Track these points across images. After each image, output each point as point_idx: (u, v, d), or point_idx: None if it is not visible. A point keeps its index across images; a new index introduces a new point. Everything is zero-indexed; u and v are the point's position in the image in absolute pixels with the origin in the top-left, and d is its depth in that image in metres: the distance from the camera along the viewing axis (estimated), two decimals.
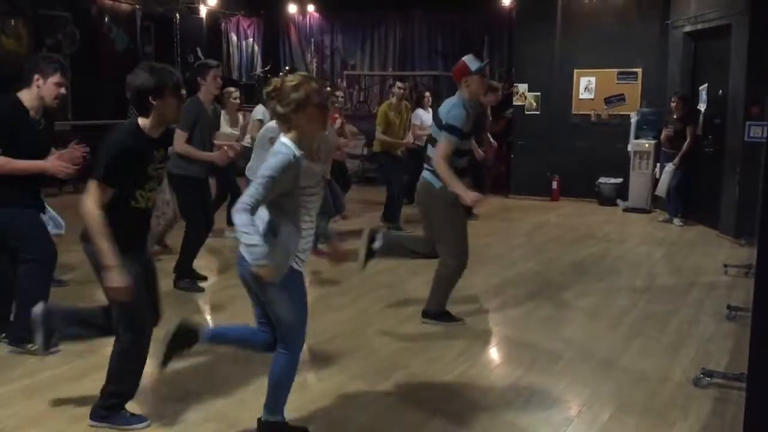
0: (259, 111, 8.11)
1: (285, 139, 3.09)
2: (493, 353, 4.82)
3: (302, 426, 3.49)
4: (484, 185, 9.55)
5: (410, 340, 4.81)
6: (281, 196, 3.04)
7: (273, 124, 6.73)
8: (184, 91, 3.52)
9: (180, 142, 5.55)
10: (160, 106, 3.27)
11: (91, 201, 3.16)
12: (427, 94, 10.17)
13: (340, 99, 8.92)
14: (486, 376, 4.29)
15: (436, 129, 4.88)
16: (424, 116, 9.86)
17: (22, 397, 3.80)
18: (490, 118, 9.68)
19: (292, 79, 3.09)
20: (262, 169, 3.02)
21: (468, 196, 4.68)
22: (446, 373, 4.24)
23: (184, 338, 3.31)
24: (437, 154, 4.75)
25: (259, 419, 3.36)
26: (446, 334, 4.94)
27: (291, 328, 3.23)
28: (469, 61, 4.87)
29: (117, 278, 3.16)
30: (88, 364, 4.11)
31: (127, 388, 3.50)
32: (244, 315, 4.00)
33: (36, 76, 4.28)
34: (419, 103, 9.86)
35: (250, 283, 3.15)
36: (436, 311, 5.12)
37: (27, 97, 4.29)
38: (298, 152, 3.03)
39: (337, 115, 7.83)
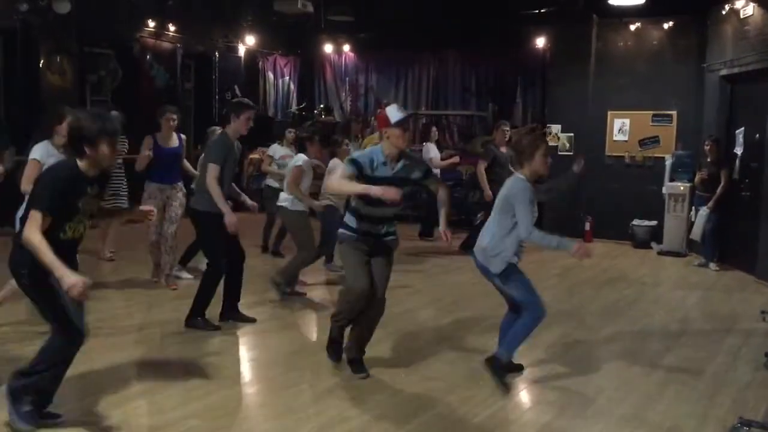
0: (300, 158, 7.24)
1: (520, 175, 4.59)
2: (524, 396, 4.75)
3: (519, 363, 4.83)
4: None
5: (438, 380, 4.76)
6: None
7: (303, 156, 6.87)
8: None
9: (211, 176, 5.54)
10: (92, 154, 3.60)
11: (33, 229, 3.45)
12: (434, 128, 10.75)
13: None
14: (516, 419, 4.23)
15: None
16: (433, 150, 10.24)
17: None
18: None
19: (525, 139, 4.67)
20: (522, 200, 4.44)
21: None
22: (475, 415, 4.19)
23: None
24: (333, 176, 5.01)
25: (493, 356, 4.65)
26: (475, 374, 4.89)
27: (527, 302, 4.60)
28: (391, 112, 4.60)
29: (71, 278, 3.38)
30: None
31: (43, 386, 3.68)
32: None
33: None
34: (426, 137, 10.44)
35: (496, 283, 4.65)
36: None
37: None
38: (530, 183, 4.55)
39: None
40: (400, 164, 4.59)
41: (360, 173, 4.48)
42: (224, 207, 5.53)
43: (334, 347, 5.00)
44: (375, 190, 4.32)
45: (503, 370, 4.68)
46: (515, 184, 4.57)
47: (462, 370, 4.97)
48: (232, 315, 5.91)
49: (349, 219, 4.73)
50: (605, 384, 4.81)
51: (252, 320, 5.97)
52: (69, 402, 4.01)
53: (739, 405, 4.41)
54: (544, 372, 5.10)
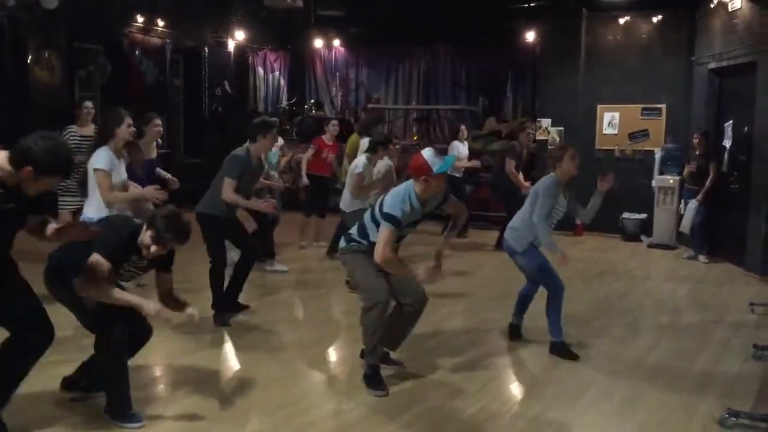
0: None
1: (552, 175, 5.33)
2: (515, 388, 4.78)
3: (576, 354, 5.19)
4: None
5: (432, 373, 4.79)
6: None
7: (363, 159, 7.13)
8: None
9: (228, 191, 5.72)
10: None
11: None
12: (463, 127, 10.75)
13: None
14: (507, 411, 4.25)
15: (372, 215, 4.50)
16: (461, 148, 10.30)
17: None
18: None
19: (556, 147, 5.98)
20: (546, 192, 5.23)
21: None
22: (466, 408, 4.21)
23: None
24: (379, 243, 4.27)
25: (551, 343, 5.24)
26: (467, 368, 4.91)
27: (543, 281, 5.35)
28: (431, 159, 4.33)
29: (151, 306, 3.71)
30: None
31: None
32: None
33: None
34: (455, 136, 10.50)
35: (517, 260, 5.38)
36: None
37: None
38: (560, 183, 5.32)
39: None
40: (429, 201, 4.49)
41: (399, 227, 4.32)
42: (255, 206, 6.20)
43: (377, 379, 4.48)
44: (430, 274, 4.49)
45: (564, 348, 5.24)
46: (545, 179, 5.35)
47: (453, 364, 4.98)
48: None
49: (361, 235, 4.52)
50: (595, 376, 4.84)
51: (246, 307, 6.16)
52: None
53: (727, 396, 4.44)
54: (534, 365, 5.13)
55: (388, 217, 4.29)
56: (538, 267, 5.32)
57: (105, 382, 3.85)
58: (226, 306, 5.92)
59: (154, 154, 6.67)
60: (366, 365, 4.51)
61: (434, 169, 4.28)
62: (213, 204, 5.83)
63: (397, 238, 4.43)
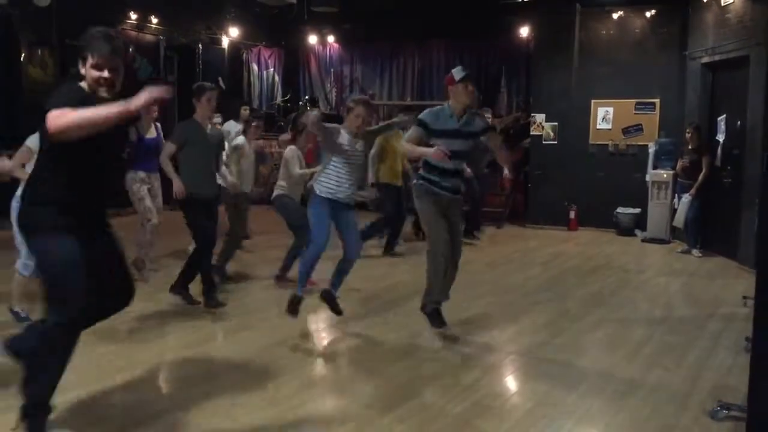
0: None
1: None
2: (507, 383, 4.80)
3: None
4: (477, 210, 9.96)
5: (424, 368, 4.80)
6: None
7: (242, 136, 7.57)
8: None
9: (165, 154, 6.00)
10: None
11: None
12: None
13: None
14: (499, 406, 4.27)
15: None
16: None
17: None
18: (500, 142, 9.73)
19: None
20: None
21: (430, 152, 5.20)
22: (459, 403, 4.22)
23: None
24: (404, 139, 5.51)
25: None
26: (460, 362, 4.93)
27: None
28: (455, 72, 5.40)
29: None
30: None
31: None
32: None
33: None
34: None
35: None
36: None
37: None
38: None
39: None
40: (464, 117, 5.35)
41: (426, 129, 5.25)
42: (172, 176, 6.04)
43: (438, 317, 5.46)
44: (426, 151, 5.23)
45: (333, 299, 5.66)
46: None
47: (445, 359, 5.00)
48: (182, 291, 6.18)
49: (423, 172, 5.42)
50: (588, 370, 4.86)
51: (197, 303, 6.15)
52: None
53: (719, 389, 4.46)
54: (527, 359, 5.14)
55: (418, 122, 5.34)
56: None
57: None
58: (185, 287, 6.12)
59: (153, 134, 7.08)
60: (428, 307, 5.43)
61: (456, 78, 5.30)
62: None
63: (451, 153, 5.10)
